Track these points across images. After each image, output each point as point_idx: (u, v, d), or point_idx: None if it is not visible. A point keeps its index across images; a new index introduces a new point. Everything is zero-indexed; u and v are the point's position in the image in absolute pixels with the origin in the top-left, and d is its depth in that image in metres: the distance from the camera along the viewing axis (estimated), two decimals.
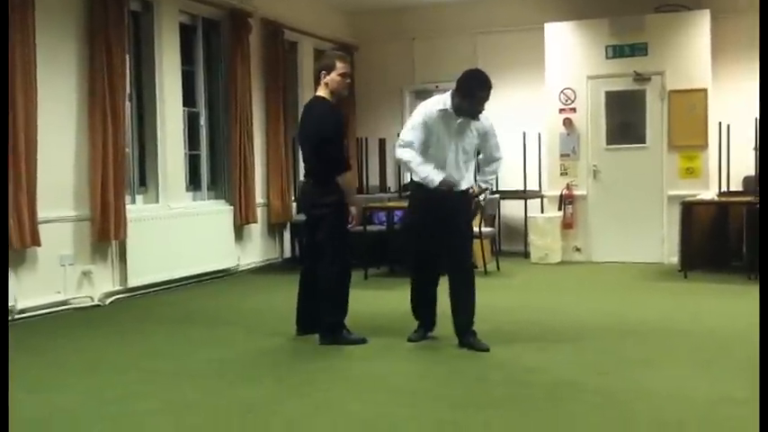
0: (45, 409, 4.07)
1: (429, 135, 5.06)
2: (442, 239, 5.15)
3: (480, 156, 5.31)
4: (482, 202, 5.36)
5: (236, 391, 4.34)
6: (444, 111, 5.04)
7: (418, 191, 5.21)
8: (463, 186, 5.13)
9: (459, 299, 5.13)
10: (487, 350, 4.94)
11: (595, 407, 3.96)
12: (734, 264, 8.24)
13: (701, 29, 8.91)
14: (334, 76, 5.33)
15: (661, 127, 9.12)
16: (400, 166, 5.15)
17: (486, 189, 5.34)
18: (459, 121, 5.05)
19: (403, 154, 5.13)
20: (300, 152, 5.72)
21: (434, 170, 5.04)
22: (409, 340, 5.30)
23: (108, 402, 4.18)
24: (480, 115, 5.09)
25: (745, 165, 8.55)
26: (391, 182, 10.48)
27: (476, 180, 5.31)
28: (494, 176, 5.50)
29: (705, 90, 8.91)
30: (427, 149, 5.09)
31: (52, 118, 6.55)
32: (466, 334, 5.08)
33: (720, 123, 8.49)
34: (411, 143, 5.08)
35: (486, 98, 5.01)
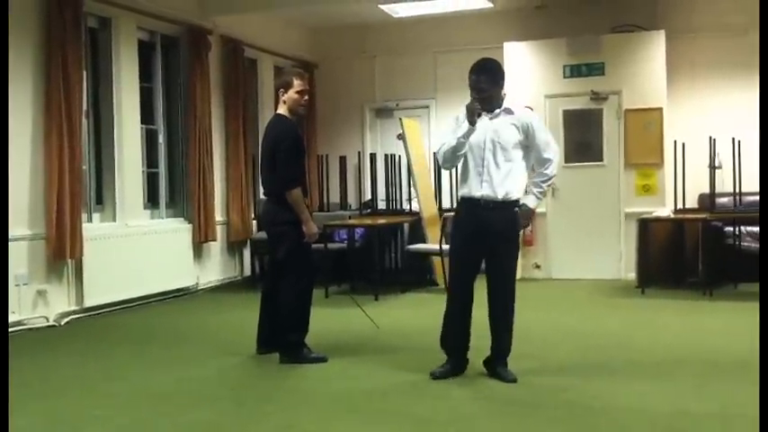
0: None
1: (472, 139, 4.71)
2: (486, 258, 4.80)
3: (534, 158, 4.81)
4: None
5: (195, 412, 4.28)
6: None
7: (461, 205, 4.84)
8: (506, 188, 4.66)
9: (499, 331, 4.84)
10: (515, 381, 4.65)
11: (556, 421, 3.97)
12: (690, 280, 8.35)
13: (656, 49, 9.07)
14: (291, 93, 5.33)
15: (618, 145, 9.25)
16: (447, 169, 4.79)
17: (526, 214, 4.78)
18: (489, 114, 4.68)
19: (440, 157, 4.79)
20: (260, 170, 5.69)
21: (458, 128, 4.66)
22: (432, 376, 4.77)
23: (63, 426, 4.11)
24: (521, 110, 4.77)
25: (700, 182, 8.69)
26: (352, 199, 10.47)
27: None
28: (546, 181, 4.76)
29: (661, 109, 9.05)
30: (465, 155, 4.75)
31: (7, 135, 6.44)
32: (498, 363, 4.80)
33: (675, 142, 8.63)
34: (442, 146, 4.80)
35: (478, 82, 4.64)
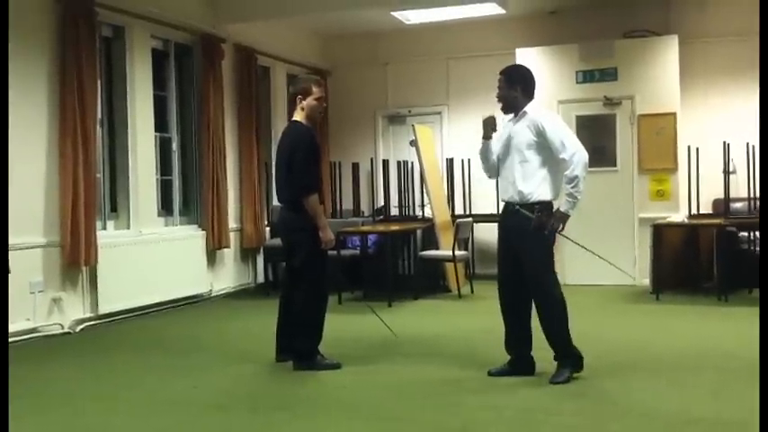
0: None
1: (500, 145, 4.94)
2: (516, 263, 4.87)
3: None
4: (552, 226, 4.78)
5: (210, 419, 4.28)
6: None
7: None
8: (524, 189, 4.75)
9: (542, 328, 4.90)
10: (554, 383, 4.68)
11: (570, 428, 3.96)
12: (705, 285, 8.30)
13: (669, 54, 9.04)
14: (310, 101, 5.35)
15: (631, 150, 9.22)
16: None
17: (544, 214, 4.76)
18: (509, 119, 4.93)
19: None
20: (275, 177, 5.69)
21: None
22: (488, 372, 4.96)
23: None
24: (535, 111, 4.85)
25: (714, 187, 8.65)
26: (365, 206, 10.48)
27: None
28: (571, 183, 4.70)
29: (674, 114, 9.02)
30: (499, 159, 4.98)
31: (22, 143, 6.49)
32: (555, 358, 4.83)
33: (689, 147, 8.59)
34: None
35: (497, 83, 4.94)
